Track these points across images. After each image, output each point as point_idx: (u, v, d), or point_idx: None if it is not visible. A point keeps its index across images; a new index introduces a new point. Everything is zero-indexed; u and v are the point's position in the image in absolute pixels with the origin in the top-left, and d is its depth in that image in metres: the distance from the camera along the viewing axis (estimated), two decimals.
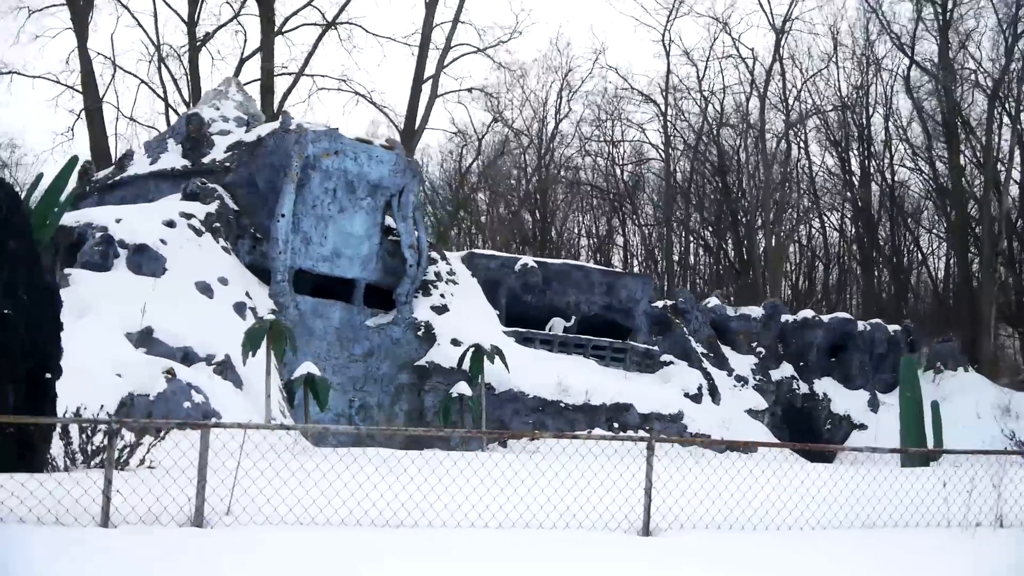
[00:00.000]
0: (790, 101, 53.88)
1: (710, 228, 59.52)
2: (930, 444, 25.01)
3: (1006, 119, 48.52)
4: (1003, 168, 48.54)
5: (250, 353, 18.63)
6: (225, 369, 18.63)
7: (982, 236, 46.38)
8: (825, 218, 58.72)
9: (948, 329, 43.42)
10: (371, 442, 22.15)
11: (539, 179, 57.48)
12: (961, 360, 39.08)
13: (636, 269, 56.92)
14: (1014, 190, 49.94)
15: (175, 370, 16.57)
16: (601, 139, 59.16)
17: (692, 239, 59.30)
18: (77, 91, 42.63)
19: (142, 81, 46.05)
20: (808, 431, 33.73)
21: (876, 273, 55.45)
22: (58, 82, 43.58)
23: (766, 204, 52.30)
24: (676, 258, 56.68)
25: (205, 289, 21.90)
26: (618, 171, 60.37)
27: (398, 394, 27.10)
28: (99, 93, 42.09)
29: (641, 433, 26.08)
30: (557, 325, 30.93)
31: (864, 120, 55.24)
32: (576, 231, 62.07)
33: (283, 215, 24.59)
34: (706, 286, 56.04)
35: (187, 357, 18.57)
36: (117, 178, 27.88)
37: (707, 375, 32.17)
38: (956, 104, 48.11)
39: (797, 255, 59.87)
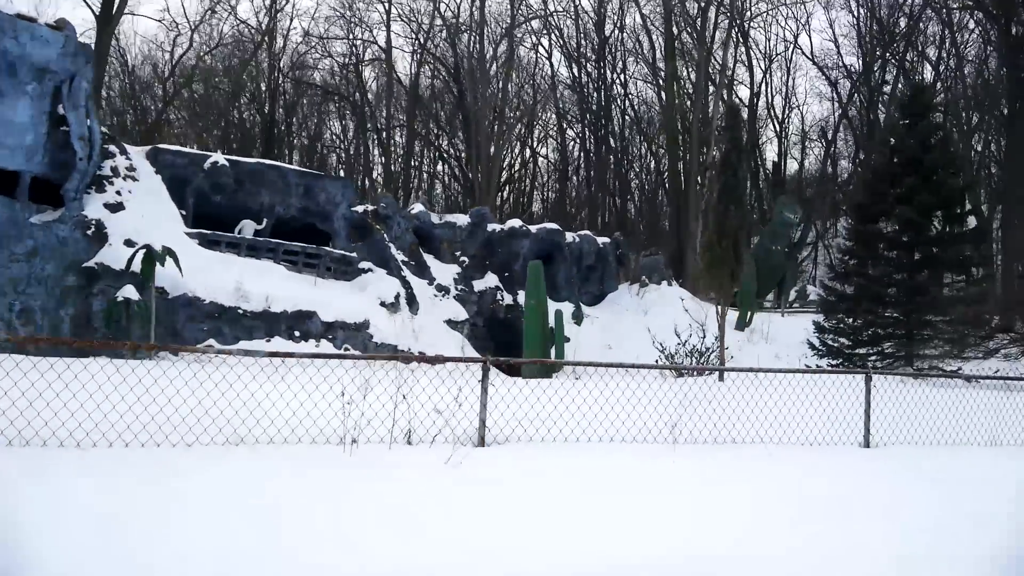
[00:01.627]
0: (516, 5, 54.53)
1: (445, 133, 60.00)
2: (553, 355, 26.59)
3: (727, 32, 51.01)
4: (718, 79, 51.08)
5: None
6: None
7: (690, 147, 48.77)
8: (559, 128, 60.12)
9: (658, 243, 45.75)
10: (34, 350, 21.51)
11: (269, 77, 56.12)
12: (666, 274, 41.31)
13: (378, 178, 56.76)
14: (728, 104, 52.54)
15: None
16: (333, 38, 58.33)
17: (428, 146, 59.58)
18: None
19: None
20: (512, 343, 34.66)
21: (603, 184, 57.42)
22: None
23: (490, 110, 53.10)
24: (414, 166, 56.83)
25: None
26: (350, 73, 59.80)
27: (64, 297, 26.18)
28: None
29: (324, 344, 27.33)
30: (247, 228, 30.64)
31: (598, 31, 56.55)
32: (305, 133, 61.25)
33: None
34: (447, 197, 56.68)
35: None
36: None
37: (406, 283, 32.64)
38: (674, 13, 50.11)
39: (533, 166, 61.35)
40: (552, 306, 36.18)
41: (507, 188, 58.05)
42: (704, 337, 28.36)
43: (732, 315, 36.90)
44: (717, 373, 23.42)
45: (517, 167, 61.28)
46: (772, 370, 12.55)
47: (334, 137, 60.74)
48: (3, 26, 24.46)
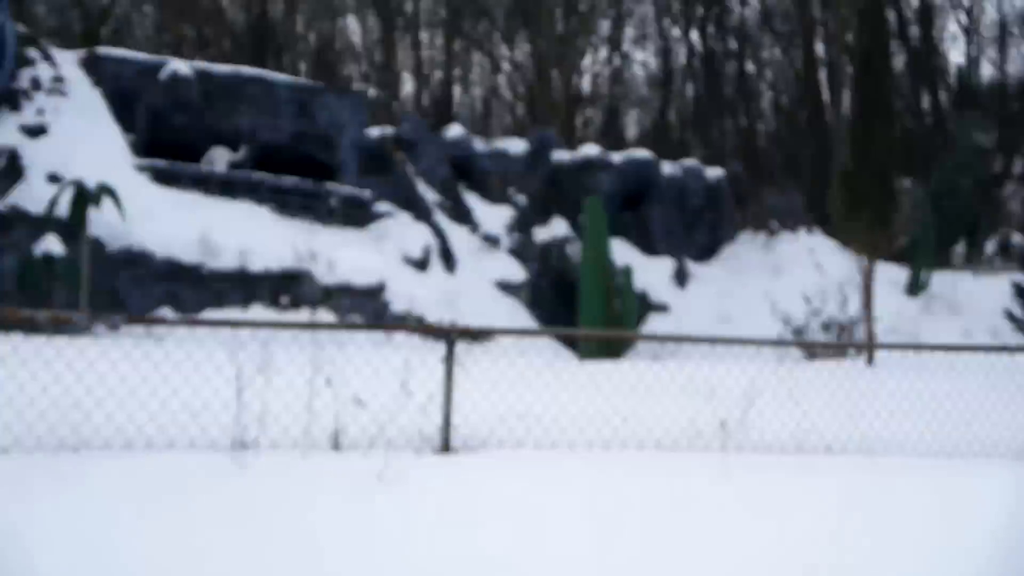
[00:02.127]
0: None
1: (499, 34, 59.44)
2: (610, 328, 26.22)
3: None
4: None
5: None
6: None
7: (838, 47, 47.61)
8: (658, 26, 59.06)
9: (795, 177, 44.60)
10: None
11: None
12: (806, 219, 40.22)
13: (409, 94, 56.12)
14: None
15: None
16: None
17: (475, 50, 59.16)
18: None
19: None
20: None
21: (718, 99, 56.42)
22: None
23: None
24: (456, 75, 56.21)
25: None
26: None
27: None
28: None
29: (323, 315, 27.39)
30: (219, 158, 30.75)
31: None
32: (312, 36, 60.72)
33: None
34: (499, 118, 56.05)
35: None
36: None
37: (439, 232, 32.47)
38: None
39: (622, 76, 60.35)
40: (652, 263, 36.77)
41: (586, 107, 56.88)
42: (845, 303, 27.27)
43: (899, 275, 36.19)
44: (865, 355, 22.47)
45: (602, 78, 60.09)
46: (933, 347, 11.85)
47: (351, 40, 59.89)
48: None
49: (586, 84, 59.70)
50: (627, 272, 27.92)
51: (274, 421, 9.48)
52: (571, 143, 41.72)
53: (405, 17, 58.41)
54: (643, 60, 64.27)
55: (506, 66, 60.11)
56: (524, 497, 8.19)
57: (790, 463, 10.00)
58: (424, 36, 58.46)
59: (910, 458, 10.66)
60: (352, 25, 61.48)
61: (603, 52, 61.37)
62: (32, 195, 26.01)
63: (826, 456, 10.56)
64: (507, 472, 9.07)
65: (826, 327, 27.18)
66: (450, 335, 10.03)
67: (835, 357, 23.56)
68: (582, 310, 25.25)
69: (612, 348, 23.13)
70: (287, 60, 53.65)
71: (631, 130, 61.34)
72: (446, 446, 9.79)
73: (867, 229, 24.84)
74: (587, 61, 59.27)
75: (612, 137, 51.90)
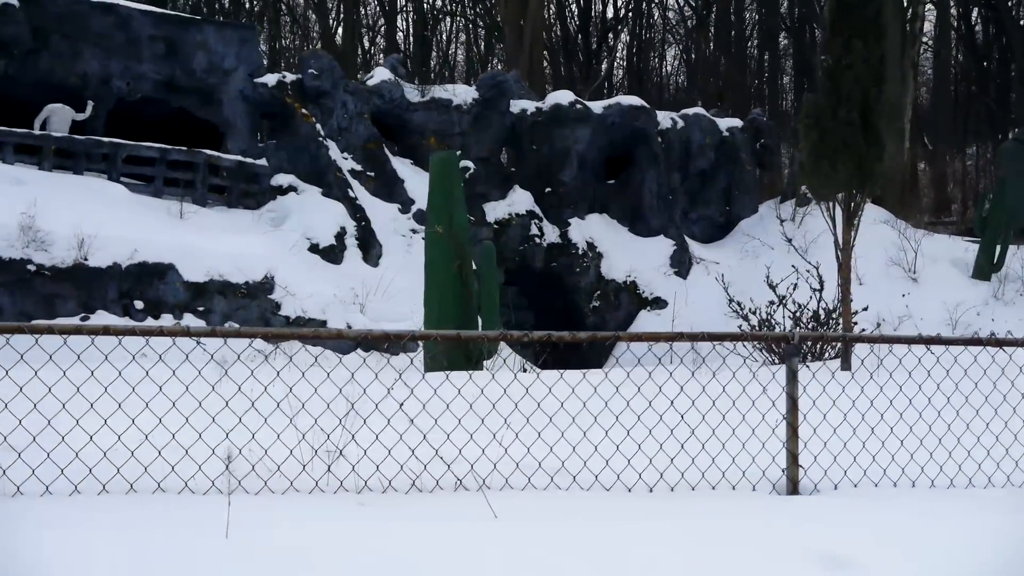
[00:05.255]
0: None
1: None
2: None
3: None
4: None
5: None
6: None
7: None
8: None
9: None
10: None
11: None
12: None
13: (314, 31, 52.53)
14: None
15: None
16: None
17: None
18: None
19: None
20: (555, 310, 31.59)
21: (725, 35, 53.18)
22: None
23: None
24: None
25: None
26: None
27: None
28: None
29: (187, 319, 24.41)
30: (58, 118, 27.09)
31: None
32: None
33: None
34: (442, 62, 50.77)
35: None
36: None
37: (357, 211, 29.21)
38: None
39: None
40: (644, 244, 32.89)
41: (562, 49, 51.73)
42: (821, 289, 23.77)
43: (965, 252, 32.99)
44: (839, 355, 20.33)
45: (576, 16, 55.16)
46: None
47: None
48: None
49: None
50: (489, 251, 24.30)
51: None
52: (539, 91, 36.42)
53: None
54: None
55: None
56: None
57: None
58: None
59: None
60: None
61: None
62: None
63: None
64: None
65: (796, 321, 23.73)
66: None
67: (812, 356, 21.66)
68: (428, 303, 21.04)
69: (470, 356, 19.50)
70: None
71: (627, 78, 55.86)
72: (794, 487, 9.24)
73: (840, 180, 21.00)
74: None
75: (594, 85, 46.59)
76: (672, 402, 9.60)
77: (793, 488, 9.04)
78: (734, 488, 9.02)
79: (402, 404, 9.11)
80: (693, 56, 56.82)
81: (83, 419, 8.40)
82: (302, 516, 7.58)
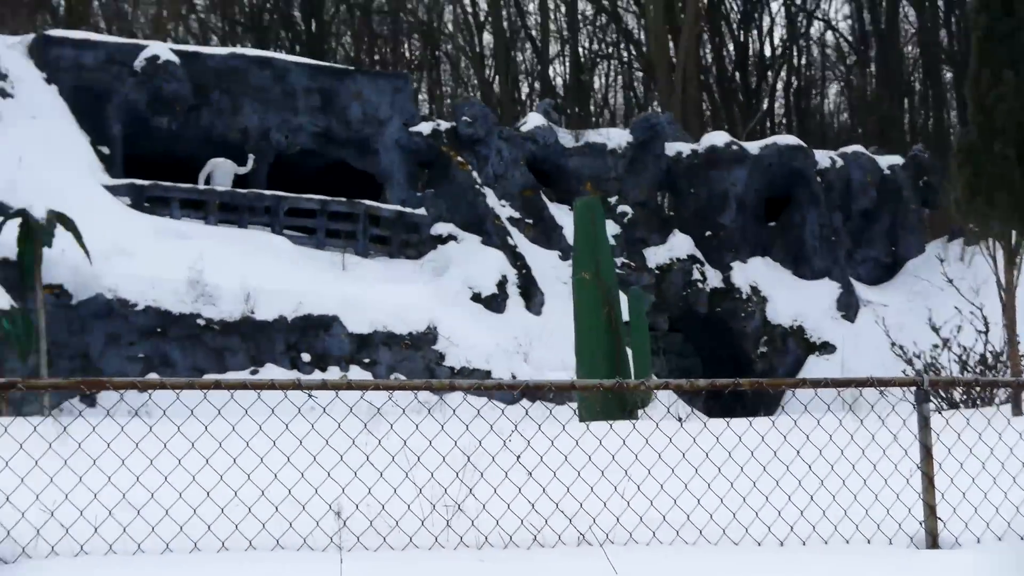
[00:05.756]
0: None
1: None
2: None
3: None
4: None
5: None
6: None
7: None
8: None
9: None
10: None
11: None
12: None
13: (470, 78, 53.81)
14: None
15: None
16: None
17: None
18: None
19: None
20: (722, 357, 31.62)
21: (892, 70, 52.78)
22: None
23: None
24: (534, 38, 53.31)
25: None
26: None
27: None
28: None
29: (353, 371, 24.59)
30: (221, 172, 27.90)
31: None
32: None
33: None
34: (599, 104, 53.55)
35: None
36: None
37: (518, 259, 29.54)
38: None
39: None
40: (808, 288, 32.59)
41: (719, 89, 52.13)
42: (987, 331, 23.26)
43: None
44: (1010, 401, 19.51)
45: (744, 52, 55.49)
46: None
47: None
48: None
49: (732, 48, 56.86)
50: (637, 298, 23.73)
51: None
52: (695, 131, 38.31)
53: None
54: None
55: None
56: None
57: None
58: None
59: None
60: None
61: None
62: None
63: None
64: None
65: (963, 365, 23.40)
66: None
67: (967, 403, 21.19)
68: (579, 352, 20.79)
69: (625, 404, 19.18)
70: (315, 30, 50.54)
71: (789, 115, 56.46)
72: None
73: (998, 217, 20.40)
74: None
75: (752, 125, 47.08)
76: (820, 451, 9.06)
77: (932, 542, 8.71)
78: (869, 542, 8.64)
79: (519, 456, 8.75)
80: (853, 93, 57.34)
81: (199, 475, 8.21)
82: (416, 573, 7.54)
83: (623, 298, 23.90)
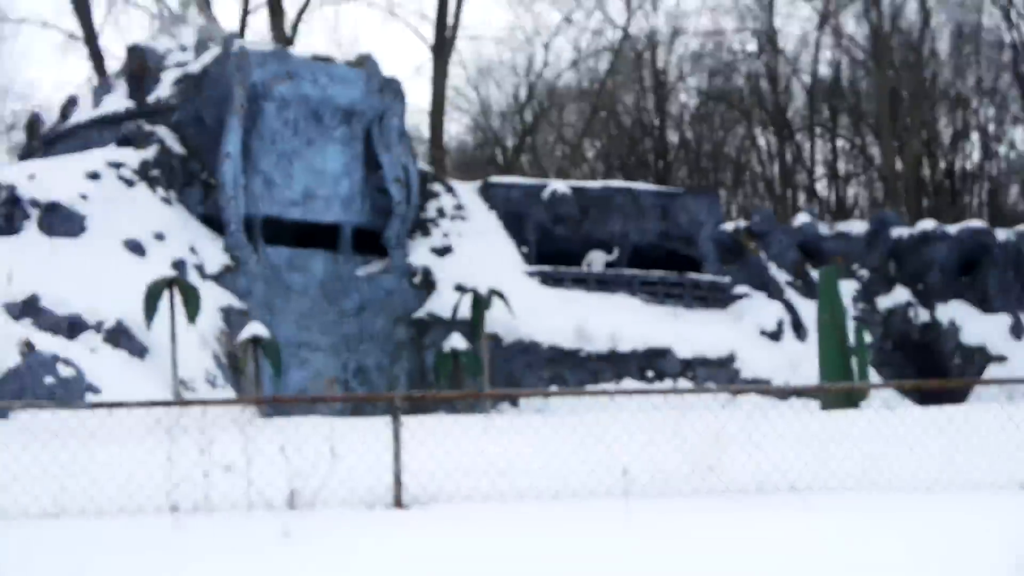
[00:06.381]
0: None
1: (852, 125, 62.36)
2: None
3: None
4: None
5: (152, 316, 21.40)
6: (118, 337, 21.42)
7: None
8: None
9: None
10: (372, 409, 25.10)
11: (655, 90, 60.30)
12: None
13: (759, 188, 59.65)
14: None
15: (33, 341, 19.12)
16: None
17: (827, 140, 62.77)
18: (76, 37, 47.72)
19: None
20: (931, 368, 35.64)
21: None
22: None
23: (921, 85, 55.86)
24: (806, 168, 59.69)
25: (135, 248, 24.91)
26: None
27: (398, 352, 30.28)
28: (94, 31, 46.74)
29: (683, 384, 29.73)
30: (596, 260, 33.45)
31: None
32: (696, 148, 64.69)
33: (228, 154, 27.49)
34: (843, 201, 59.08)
35: (74, 326, 21.34)
36: (61, 129, 31.36)
37: (790, 307, 34.40)
38: None
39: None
40: (989, 320, 38.30)
41: (943, 183, 59.42)
42: None
43: None
44: None
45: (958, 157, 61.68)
46: None
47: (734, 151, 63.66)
48: (301, 72, 28.69)
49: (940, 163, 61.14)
50: (861, 329, 28.71)
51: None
52: (915, 218, 43.28)
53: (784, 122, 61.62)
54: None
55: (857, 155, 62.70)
56: None
57: None
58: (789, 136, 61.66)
59: None
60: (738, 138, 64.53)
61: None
62: (442, 303, 29.87)
63: None
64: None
65: None
66: (393, 401, 10.31)
67: None
68: (821, 365, 26.08)
69: (851, 399, 24.17)
70: (661, 167, 57.85)
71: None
72: (398, 502, 9.92)
73: None
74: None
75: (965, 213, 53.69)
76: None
77: None
78: (1002, 488, 9.79)
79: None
80: None
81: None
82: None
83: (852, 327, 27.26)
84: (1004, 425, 11.16)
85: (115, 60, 39.75)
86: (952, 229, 39.48)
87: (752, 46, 61.24)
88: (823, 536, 8.10)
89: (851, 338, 26.98)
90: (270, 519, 8.72)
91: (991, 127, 60.77)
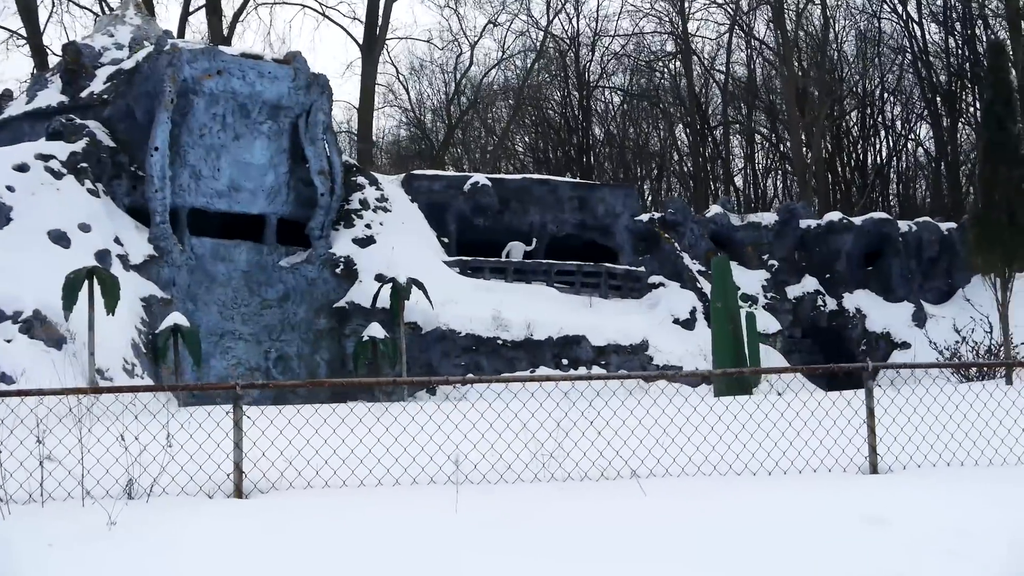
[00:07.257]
0: None
1: (765, 120, 63.39)
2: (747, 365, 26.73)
3: None
4: None
5: (71, 306, 21.16)
6: (35, 327, 21.38)
7: None
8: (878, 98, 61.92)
9: None
10: (295, 398, 25.48)
11: (580, 89, 61.62)
12: None
13: (673, 181, 60.47)
14: None
15: None
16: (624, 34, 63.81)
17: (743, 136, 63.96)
18: (20, 36, 48.07)
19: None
20: (839, 354, 36.38)
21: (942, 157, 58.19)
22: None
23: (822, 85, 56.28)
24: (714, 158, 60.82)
25: (59, 238, 24.82)
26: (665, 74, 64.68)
27: (318, 341, 30.40)
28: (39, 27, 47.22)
29: (594, 369, 30.01)
30: (515, 250, 33.63)
31: None
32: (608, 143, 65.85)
33: (156, 148, 27.44)
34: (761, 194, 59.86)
35: None
36: None
37: (703, 296, 34.70)
38: None
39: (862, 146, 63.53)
40: (893, 308, 39.00)
41: (853, 177, 60.65)
42: (991, 331, 28.73)
43: None
44: (1005, 376, 23.89)
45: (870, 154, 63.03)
46: None
47: (641, 142, 64.71)
48: (230, 68, 28.67)
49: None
50: (751, 317, 29.21)
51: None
52: (821, 210, 44.17)
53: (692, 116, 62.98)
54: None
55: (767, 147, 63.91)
56: None
57: None
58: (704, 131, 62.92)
59: None
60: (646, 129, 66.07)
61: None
62: (363, 292, 29.92)
63: None
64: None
65: (975, 351, 28.44)
66: (235, 388, 10.25)
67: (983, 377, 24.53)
68: (714, 353, 26.60)
69: (743, 384, 24.62)
70: (587, 162, 58.61)
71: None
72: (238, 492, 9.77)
73: (997, 263, 26.07)
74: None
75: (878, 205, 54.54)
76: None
77: (872, 469, 10.55)
78: (830, 471, 10.64)
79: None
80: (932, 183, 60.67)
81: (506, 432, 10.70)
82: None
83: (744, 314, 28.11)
84: (859, 410, 11.54)
85: (57, 58, 38.87)
86: (857, 220, 40.36)
87: (670, 46, 62.22)
88: (636, 518, 8.63)
89: (743, 327, 27.56)
90: (100, 510, 8.54)
91: (898, 124, 62.44)
